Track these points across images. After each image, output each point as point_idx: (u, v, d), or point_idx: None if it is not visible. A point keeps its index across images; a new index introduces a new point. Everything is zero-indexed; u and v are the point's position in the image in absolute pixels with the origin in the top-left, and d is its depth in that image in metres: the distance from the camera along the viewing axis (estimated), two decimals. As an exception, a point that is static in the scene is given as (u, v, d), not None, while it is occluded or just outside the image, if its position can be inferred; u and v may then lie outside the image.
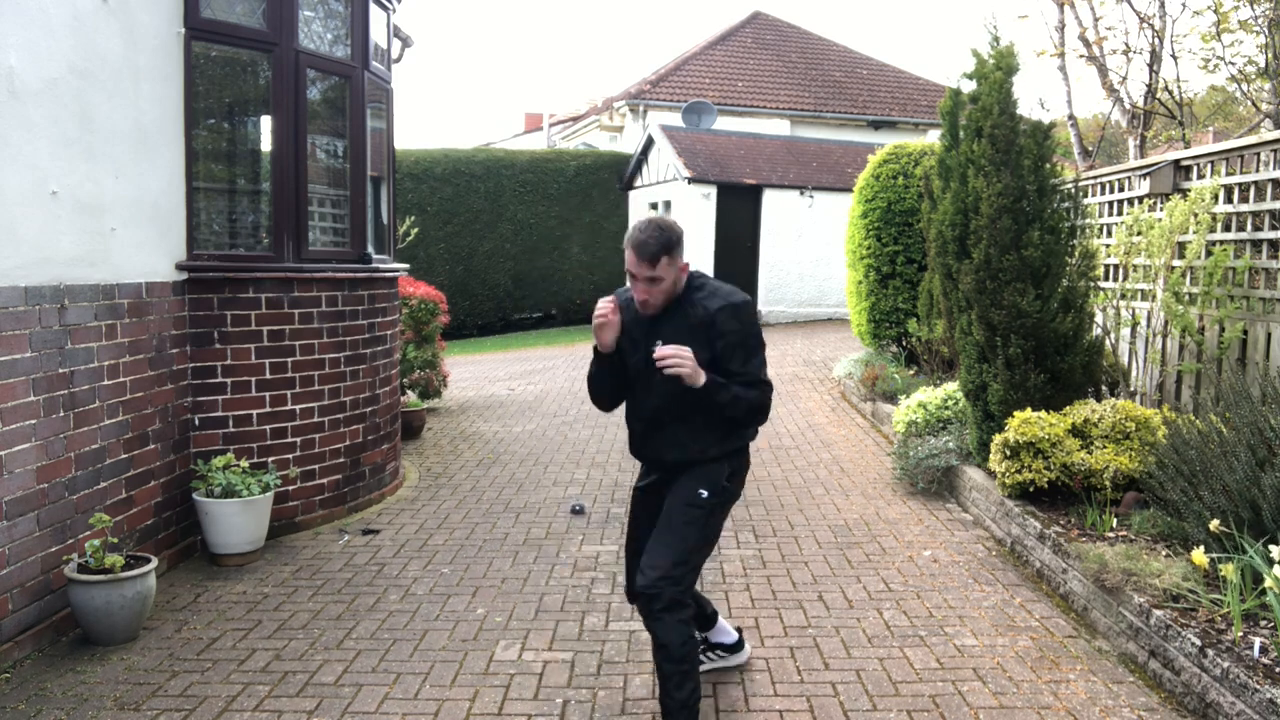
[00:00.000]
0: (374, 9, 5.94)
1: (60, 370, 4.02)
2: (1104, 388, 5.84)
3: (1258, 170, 5.25)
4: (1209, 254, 5.52)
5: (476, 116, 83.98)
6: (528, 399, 10.06)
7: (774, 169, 18.19)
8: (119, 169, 4.42)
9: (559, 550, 5.12)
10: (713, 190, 17.46)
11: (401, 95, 30.14)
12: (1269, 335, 5.00)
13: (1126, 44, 11.24)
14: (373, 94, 6.05)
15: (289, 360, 5.33)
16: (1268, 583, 3.25)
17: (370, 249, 5.95)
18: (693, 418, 3.13)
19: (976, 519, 5.60)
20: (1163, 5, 10.74)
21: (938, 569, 4.81)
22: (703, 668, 3.56)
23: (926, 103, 22.72)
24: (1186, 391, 5.72)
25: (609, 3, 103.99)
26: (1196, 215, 5.43)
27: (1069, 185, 5.58)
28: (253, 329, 5.16)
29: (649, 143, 19.28)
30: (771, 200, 17.82)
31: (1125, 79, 11.41)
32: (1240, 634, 3.31)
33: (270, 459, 5.26)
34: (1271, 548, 3.31)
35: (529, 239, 18.98)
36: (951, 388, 6.71)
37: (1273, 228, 5.16)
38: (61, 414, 4.03)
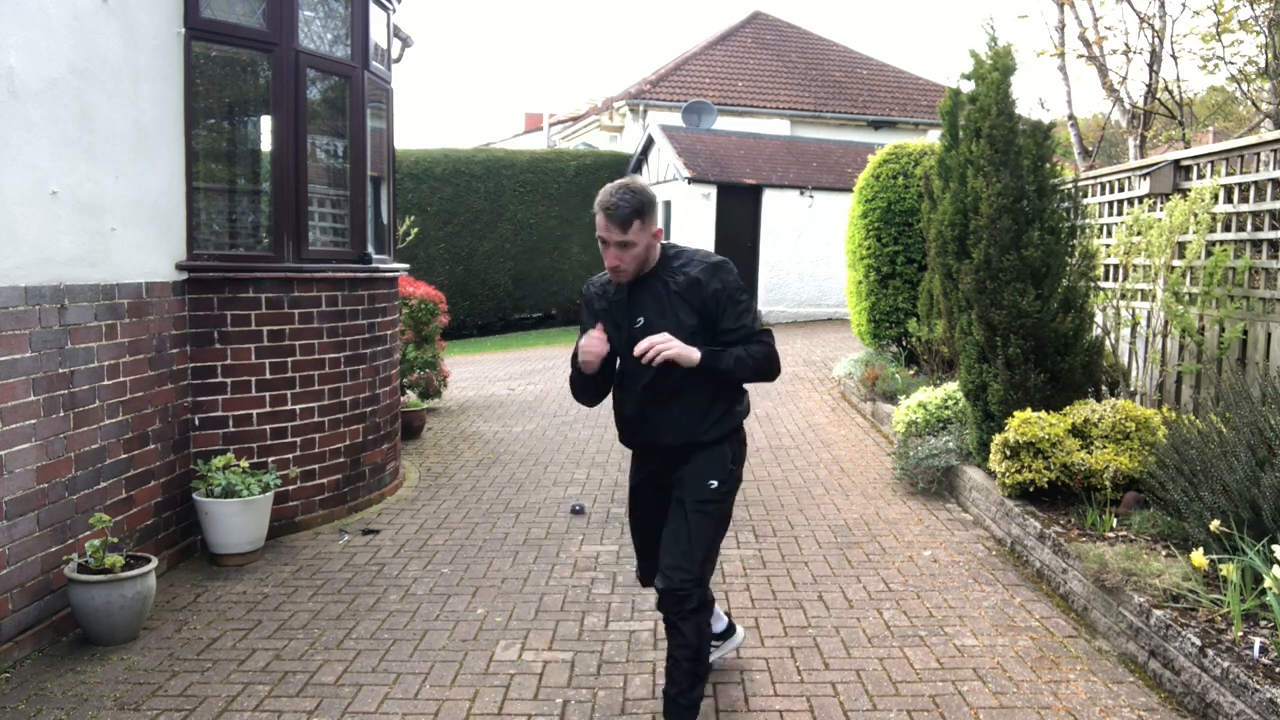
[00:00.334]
0: (374, 9, 5.94)
1: (60, 370, 4.02)
2: (1104, 388, 5.84)
3: (1258, 170, 5.25)
4: (1209, 254, 5.52)
5: (476, 116, 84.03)
6: (528, 399, 10.06)
7: (774, 169, 18.19)
8: (119, 169, 4.42)
9: (559, 550, 5.12)
10: (713, 190, 17.47)
11: (401, 95, 30.12)
12: (1269, 335, 5.00)
13: (1126, 44, 11.24)
14: (373, 94, 6.05)
15: (289, 360, 5.33)
16: (1267, 583, 3.25)
17: (370, 249, 5.95)
18: (689, 397, 3.04)
19: (976, 519, 5.60)
20: (1163, 5, 10.74)
21: (938, 569, 4.81)
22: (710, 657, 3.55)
23: (926, 103, 22.72)
24: (1186, 391, 5.72)
25: (609, 3, 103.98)
26: (1196, 215, 5.43)
27: (1069, 185, 5.58)
28: (253, 329, 5.16)
29: (649, 143, 19.29)
30: (771, 200, 17.82)
31: (1125, 79, 11.42)
32: (1240, 634, 3.31)
33: (270, 459, 5.26)
34: (1272, 548, 3.31)
35: (529, 239, 18.99)
36: (951, 388, 6.71)
37: (1273, 228, 5.16)
38: (61, 414, 4.03)
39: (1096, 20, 11.36)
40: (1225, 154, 5.54)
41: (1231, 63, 10.94)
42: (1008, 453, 5.01)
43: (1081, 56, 11.55)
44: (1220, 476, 3.97)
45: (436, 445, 7.82)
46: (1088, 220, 5.86)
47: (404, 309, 8.64)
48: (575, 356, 3.13)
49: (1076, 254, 5.47)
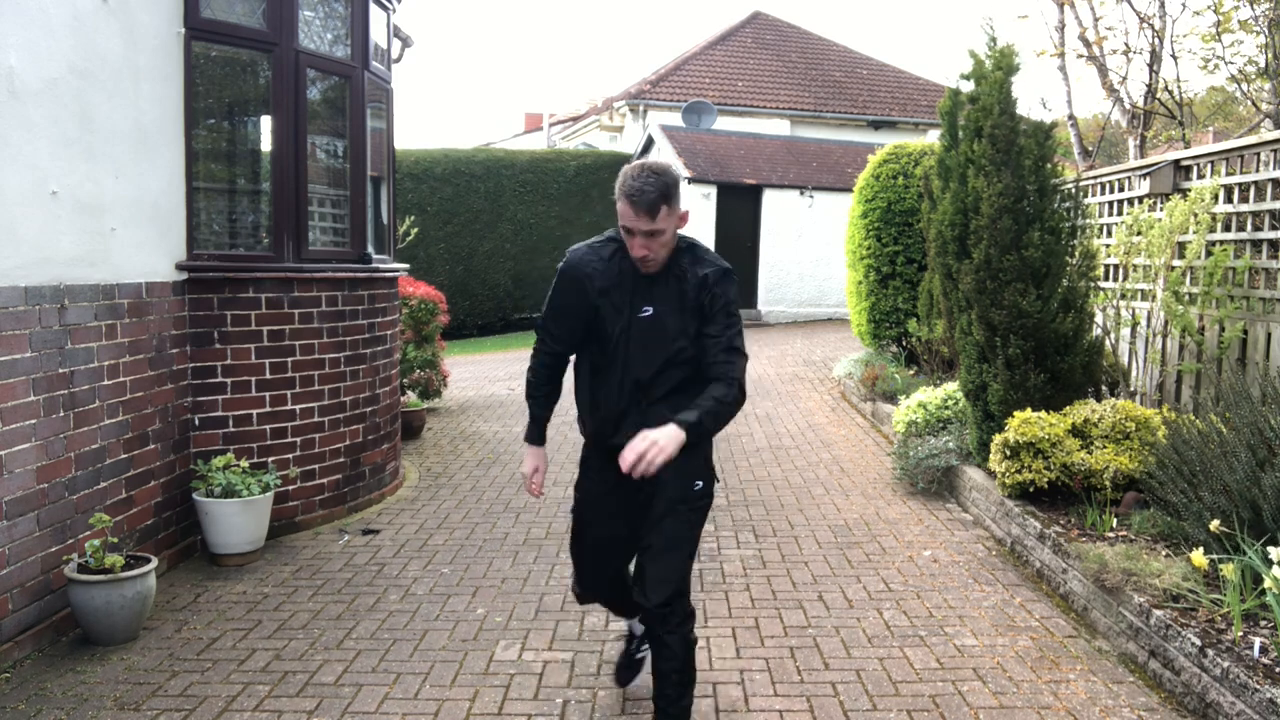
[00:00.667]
0: (374, 9, 5.94)
1: (60, 370, 4.02)
2: (1104, 388, 5.84)
3: (1258, 170, 5.25)
4: (1209, 254, 5.52)
5: (476, 116, 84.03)
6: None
7: (774, 169, 18.20)
8: (119, 169, 4.42)
9: (559, 550, 5.12)
10: (713, 190, 17.47)
11: (401, 95, 30.13)
12: (1269, 335, 5.00)
13: (1126, 44, 11.24)
14: (373, 94, 6.05)
15: (289, 360, 5.33)
16: (1267, 583, 3.25)
17: (370, 249, 5.95)
18: (678, 394, 2.88)
19: (976, 519, 5.60)
20: (1163, 5, 10.73)
21: (938, 569, 4.81)
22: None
23: (926, 103, 22.72)
24: (1186, 391, 5.72)
25: (609, 3, 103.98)
26: (1196, 215, 5.43)
27: (1069, 185, 5.58)
28: (253, 329, 5.16)
29: (649, 143, 19.29)
30: (771, 200, 17.83)
31: (1125, 79, 11.42)
32: (1240, 634, 3.31)
33: (270, 459, 5.26)
34: (1271, 548, 3.30)
35: (529, 239, 18.98)
36: (951, 388, 6.71)
37: (1273, 228, 5.16)
38: (61, 414, 4.03)
39: (1096, 20, 11.36)
40: (1225, 154, 5.54)
41: (1231, 63, 10.94)
42: (1008, 453, 5.01)
43: (1081, 56, 11.55)
44: (1220, 476, 3.97)
45: (436, 445, 7.82)
46: (1088, 220, 5.86)
47: (404, 309, 8.64)
48: (530, 401, 3.09)
49: (1077, 254, 5.47)
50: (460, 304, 17.75)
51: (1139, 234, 5.75)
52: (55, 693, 3.50)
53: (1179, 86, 10.87)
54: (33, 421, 3.85)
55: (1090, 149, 13.02)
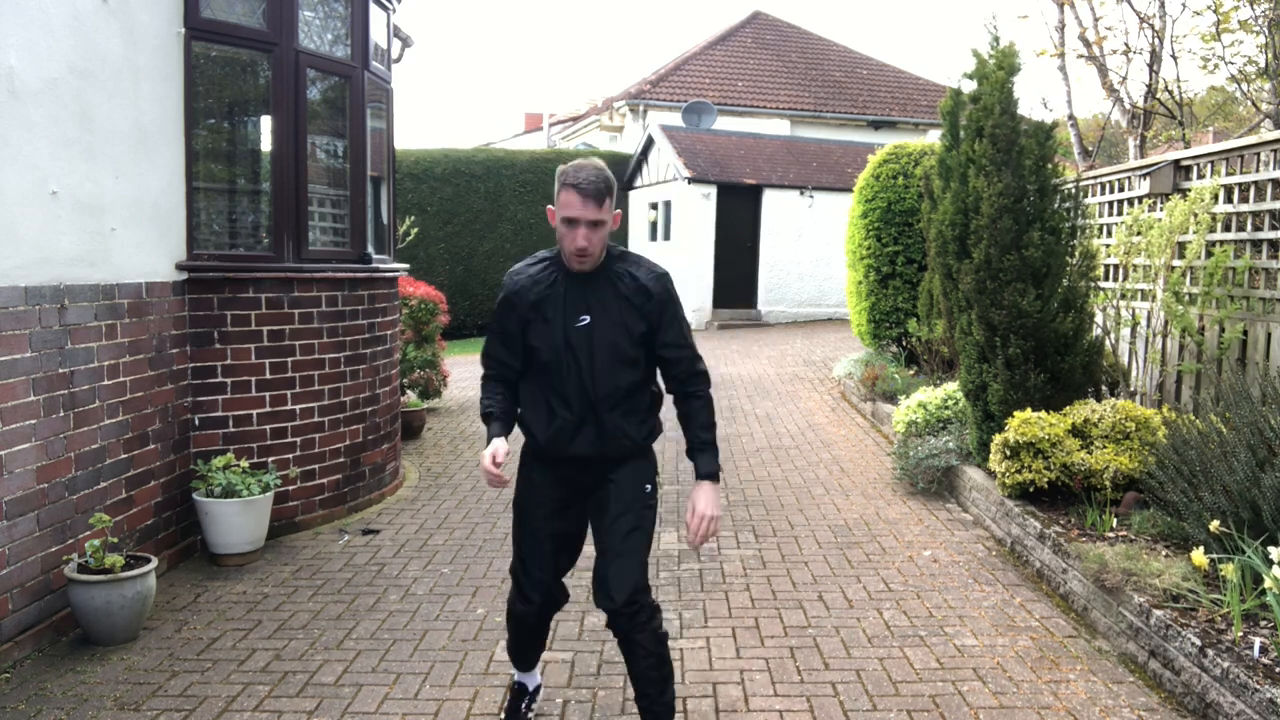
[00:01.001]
0: (374, 9, 5.94)
1: (60, 370, 4.02)
2: (1104, 388, 5.84)
3: (1258, 170, 5.25)
4: (1209, 254, 5.52)
5: (476, 116, 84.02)
6: (528, 399, 10.05)
7: (774, 169, 18.20)
8: (119, 169, 4.42)
9: (559, 550, 5.12)
10: (713, 190, 17.47)
11: (401, 95, 30.13)
12: (1269, 335, 5.00)
13: (1126, 44, 11.24)
14: (373, 94, 6.05)
15: (289, 360, 5.33)
16: (1267, 583, 3.25)
17: (370, 249, 5.95)
18: (633, 403, 2.91)
19: (976, 519, 5.60)
20: (1163, 5, 10.73)
21: (938, 569, 4.81)
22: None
23: (926, 103, 22.72)
24: (1186, 391, 5.72)
25: (609, 3, 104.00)
26: (1196, 215, 5.43)
27: (1070, 185, 5.58)
28: (253, 329, 5.16)
29: (649, 143, 19.28)
30: (771, 200, 17.82)
31: (1125, 79, 11.42)
32: (1240, 634, 3.31)
33: (270, 459, 5.26)
34: (1271, 548, 3.31)
35: (529, 239, 18.97)
36: (951, 388, 6.71)
37: (1273, 228, 5.16)
38: (61, 414, 4.03)
39: (1096, 20, 11.36)
40: (1225, 154, 5.54)
41: (1231, 63, 10.94)
42: (1008, 453, 5.01)
43: (1081, 56, 11.55)
44: (1220, 477, 3.97)
45: (436, 445, 7.82)
46: (1088, 220, 5.86)
47: (404, 309, 8.64)
48: (488, 419, 2.96)
49: (1077, 254, 5.47)
50: (460, 304, 17.74)
51: (1139, 234, 5.75)
52: (55, 693, 3.50)
53: (1179, 86, 10.87)
54: (33, 421, 3.85)
55: (1090, 149, 13.03)
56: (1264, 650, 3.19)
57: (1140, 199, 6.28)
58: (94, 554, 3.91)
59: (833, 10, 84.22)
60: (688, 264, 17.29)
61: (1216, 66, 11.08)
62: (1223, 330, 5.32)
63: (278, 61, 5.22)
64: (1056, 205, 5.37)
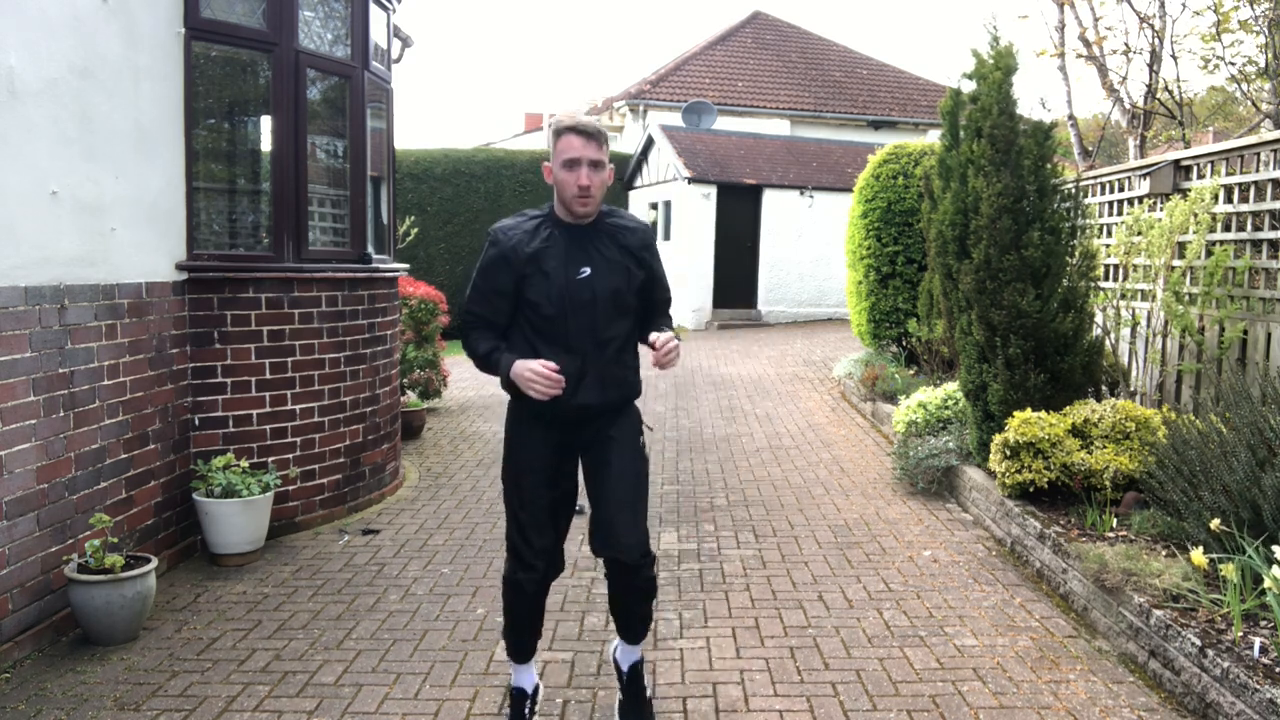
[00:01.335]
0: (374, 9, 5.94)
1: (60, 370, 4.02)
2: (1104, 388, 5.84)
3: (1258, 170, 5.25)
4: (1209, 254, 5.53)
5: (476, 116, 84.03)
6: (528, 399, 10.05)
7: (774, 169, 18.20)
8: (119, 169, 4.42)
9: (559, 550, 5.12)
10: (713, 190, 17.47)
11: (401, 95, 30.12)
12: (1269, 335, 5.00)
13: (1126, 44, 11.24)
14: (373, 94, 6.05)
15: (289, 360, 5.33)
16: (1267, 583, 3.25)
17: (370, 249, 5.95)
18: (627, 350, 3.03)
19: (976, 519, 5.60)
20: (1163, 5, 10.73)
21: (938, 569, 4.81)
22: None
23: (926, 103, 22.73)
24: (1186, 391, 5.72)
25: (609, 3, 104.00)
26: (1196, 215, 5.43)
27: (1069, 185, 5.58)
28: (253, 329, 5.16)
29: (649, 143, 19.28)
30: (771, 200, 17.82)
31: (1125, 79, 11.42)
32: (1240, 634, 3.31)
33: (270, 459, 5.26)
34: (1271, 548, 3.31)
35: (529, 239, 18.95)
36: (951, 388, 6.71)
37: (1273, 228, 5.16)
38: (61, 414, 4.03)
39: (1096, 20, 11.36)
40: (1225, 154, 5.54)
41: (1231, 63, 10.94)
42: (1008, 453, 5.01)
43: (1081, 56, 11.55)
44: (1220, 476, 3.97)
45: (436, 445, 7.82)
46: (1088, 220, 5.86)
47: (404, 309, 8.64)
48: (493, 357, 2.93)
49: (1077, 254, 5.47)
50: (460, 304, 17.70)
51: (1139, 234, 5.75)
52: (55, 693, 3.50)
53: (1179, 86, 10.87)
54: (33, 421, 3.85)
55: (1090, 149, 13.03)
56: (1264, 650, 3.19)
57: (1140, 199, 6.28)
58: (94, 554, 3.91)
59: (833, 10, 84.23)
60: (688, 264, 17.29)
61: (1216, 66, 11.08)
62: (1223, 330, 5.32)
63: (278, 61, 5.22)
64: (1056, 205, 5.37)
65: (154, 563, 4.08)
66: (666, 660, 3.76)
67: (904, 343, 9.62)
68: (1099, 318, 6.34)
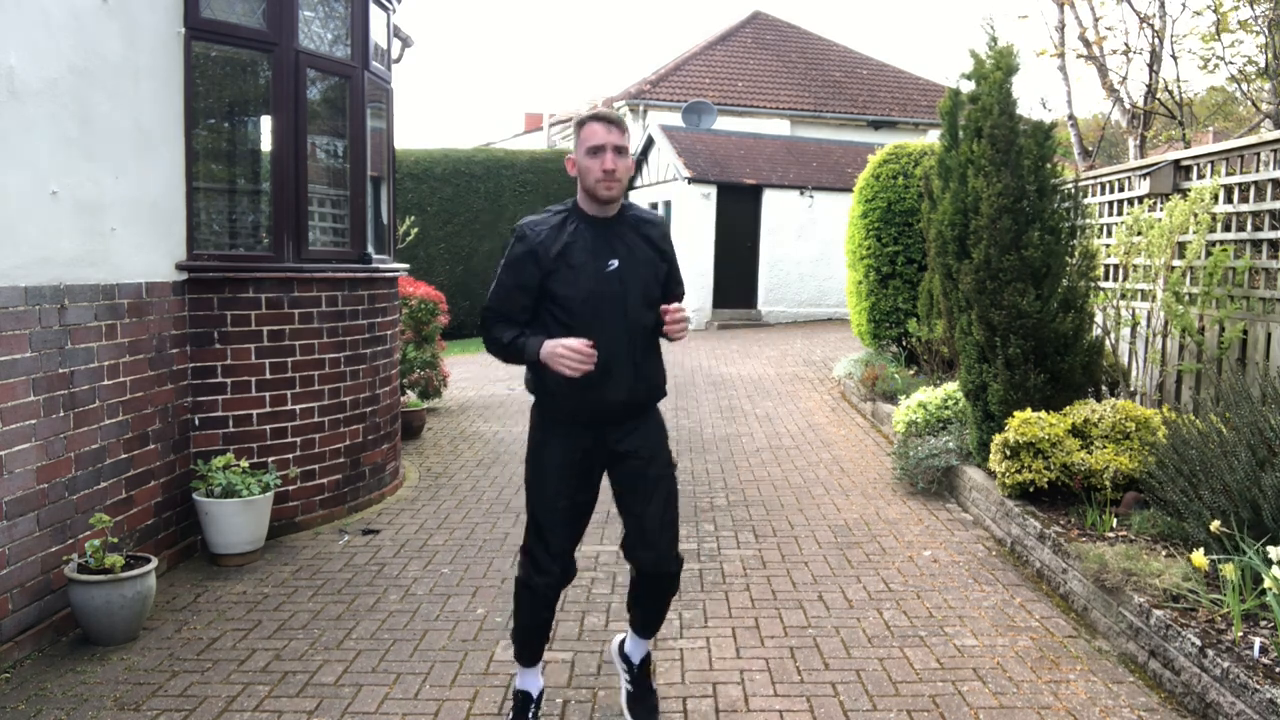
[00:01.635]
0: (374, 9, 5.94)
1: (60, 370, 4.02)
2: (1104, 388, 5.84)
3: (1258, 170, 5.25)
4: (1209, 254, 5.52)
5: (476, 116, 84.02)
6: (528, 398, 10.04)
7: (774, 169, 18.19)
8: (119, 169, 4.42)
9: (559, 550, 5.12)
10: (713, 190, 17.46)
11: (401, 95, 30.13)
12: (1269, 335, 5.00)
13: (1126, 44, 11.25)
14: (373, 94, 6.05)
15: (289, 360, 5.33)
16: (1267, 583, 3.25)
17: (370, 249, 5.95)
18: (654, 344, 3.05)
19: (976, 519, 5.60)
20: (1163, 5, 10.74)
21: (938, 569, 4.81)
22: None
23: (926, 103, 22.72)
24: (1186, 391, 5.72)
25: (609, 3, 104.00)
26: (1196, 215, 5.43)
27: (1069, 185, 5.58)
28: (253, 329, 5.16)
29: (649, 143, 19.28)
30: (771, 200, 17.82)
31: (1125, 79, 11.42)
32: (1240, 634, 3.31)
33: (270, 459, 5.26)
34: (1271, 548, 3.31)
35: (529, 239, 18.96)
36: (951, 388, 6.71)
37: (1273, 228, 5.16)
38: (61, 414, 4.03)
39: (1096, 20, 11.37)
40: (1225, 154, 5.54)
41: (1231, 63, 10.95)
42: (1008, 453, 5.01)
43: (1081, 56, 11.55)
44: (1220, 476, 3.97)
45: (436, 445, 7.82)
46: (1088, 220, 5.86)
47: (404, 309, 8.64)
48: (518, 342, 2.90)
49: (1076, 254, 5.47)
50: (460, 304, 17.72)
51: (1139, 234, 5.75)
52: (55, 693, 3.50)
53: (1179, 86, 10.88)
54: (33, 421, 3.85)
55: (1090, 149, 13.03)
56: (1264, 650, 3.19)
57: (1140, 199, 6.28)
58: (94, 554, 3.91)
59: (833, 10, 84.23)
60: (687, 264, 17.27)
61: (1216, 66, 11.09)
62: (1223, 330, 5.32)
63: (278, 61, 5.22)
64: (1056, 205, 5.37)
65: (154, 563, 4.08)
66: (666, 660, 3.76)
67: (904, 343, 9.62)
68: (1099, 318, 6.34)
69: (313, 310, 5.43)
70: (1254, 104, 11.58)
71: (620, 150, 2.88)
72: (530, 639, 3.19)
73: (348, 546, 5.21)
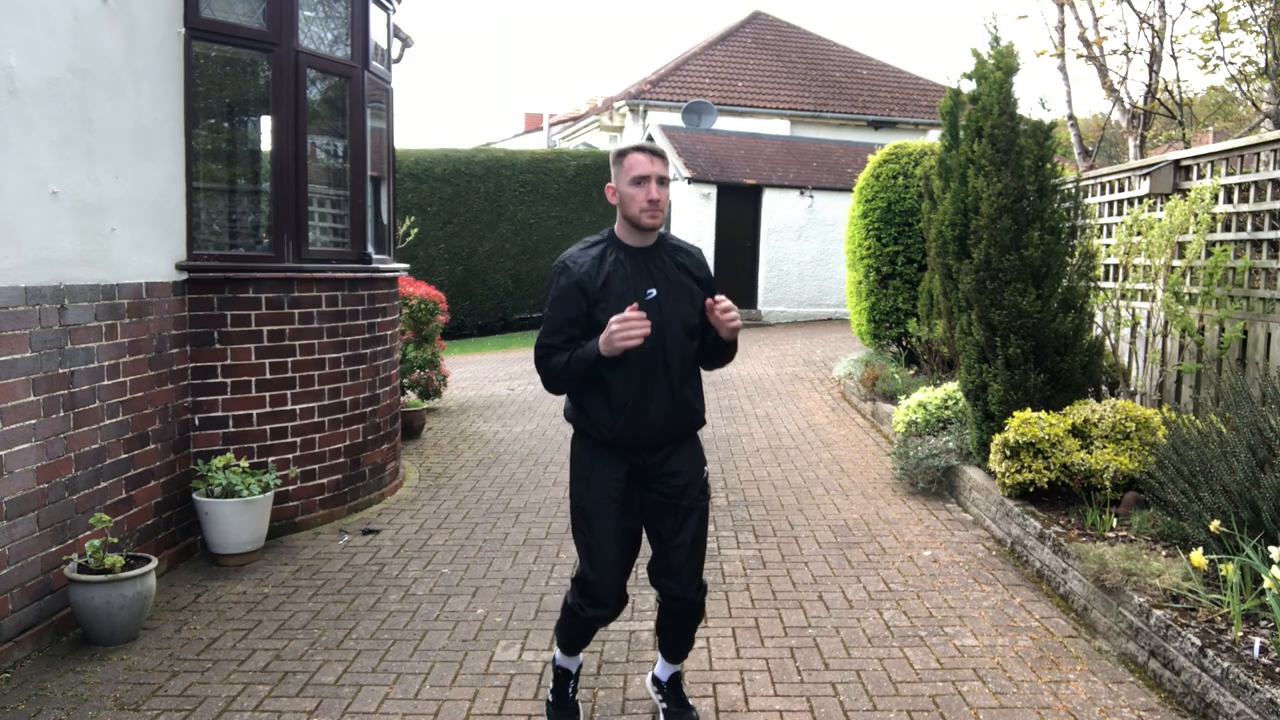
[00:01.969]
0: (374, 9, 5.94)
1: (60, 370, 4.02)
2: (1104, 388, 5.84)
3: (1258, 170, 5.25)
4: (1209, 254, 5.53)
5: (476, 116, 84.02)
6: (528, 399, 10.06)
7: (774, 169, 18.19)
8: (119, 169, 4.42)
9: (559, 550, 5.12)
10: (713, 190, 17.47)
11: (401, 95, 30.15)
12: (1269, 335, 5.00)
13: (1126, 44, 11.25)
14: (373, 94, 6.05)
15: (289, 360, 5.33)
16: (1267, 583, 3.25)
17: (370, 249, 5.95)
18: (694, 373, 3.06)
19: (976, 519, 5.60)
20: (1163, 5, 10.74)
21: (938, 569, 4.81)
22: None
23: (926, 103, 22.72)
24: (1186, 391, 5.72)
25: (609, 3, 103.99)
26: (1196, 215, 5.43)
27: (1069, 185, 5.58)
28: (253, 329, 5.16)
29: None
30: (771, 200, 17.82)
31: (1125, 79, 11.42)
32: (1240, 634, 3.31)
33: (270, 459, 5.26)
34: (1271, 548, 3.31)
35: (529, 239, 18.98)
36: (951, 388, 6.71)
37: (1273, 228, 5.16)
38: (61, 414, 4.03)
39: (1096, 20, 11.37)
40: (1225, 154, 5.54)
41: (1231, 63, 10.95)
42: (1008, 453, 5.01)
43: (1081, 56, 11.55)
44: (1220, 477, 3.97)
45: (436, 445, 7.82)
46: (1088, 220, 5.86)
47: (404, 309, 8.64)
48: (575, 355, 2.88)
49: (1076, 254, 5.47)
50: (460, 304, 17.74)
51: (1139, 234, 5.75)
52: (55, 693, 3.50)
53: (1179, 86, 10.88)
54: (33, 421, 3.85)
55: (1090, 149, 13.03)
56: (1264, 650, 3.19)
57: (1140, 199, 6.28)
58: (94, 554, 3.91)
59: (833, 10, 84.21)
60: (688, 264, 17.27)
61: (1216, 66, 11.09)
62: (1223, 330, 5.32)
63: (278, 61, 5.22)
64: (1056, 205, 5.37)
65: (154, 563, 4.08)
66: (666, 660, 3.76)
67: (904, 343, 9.62)
68: (1099, 318, 6.34)
69: (313, 310, 5.43)
70: (1254, 104, 11.59)
71: (663, 181, 2.92)
72: (577, 646, 3.26)
73: (348, 546, 5.21)
